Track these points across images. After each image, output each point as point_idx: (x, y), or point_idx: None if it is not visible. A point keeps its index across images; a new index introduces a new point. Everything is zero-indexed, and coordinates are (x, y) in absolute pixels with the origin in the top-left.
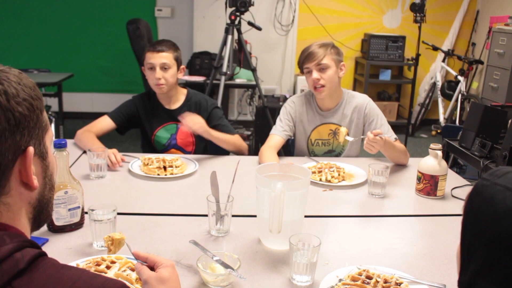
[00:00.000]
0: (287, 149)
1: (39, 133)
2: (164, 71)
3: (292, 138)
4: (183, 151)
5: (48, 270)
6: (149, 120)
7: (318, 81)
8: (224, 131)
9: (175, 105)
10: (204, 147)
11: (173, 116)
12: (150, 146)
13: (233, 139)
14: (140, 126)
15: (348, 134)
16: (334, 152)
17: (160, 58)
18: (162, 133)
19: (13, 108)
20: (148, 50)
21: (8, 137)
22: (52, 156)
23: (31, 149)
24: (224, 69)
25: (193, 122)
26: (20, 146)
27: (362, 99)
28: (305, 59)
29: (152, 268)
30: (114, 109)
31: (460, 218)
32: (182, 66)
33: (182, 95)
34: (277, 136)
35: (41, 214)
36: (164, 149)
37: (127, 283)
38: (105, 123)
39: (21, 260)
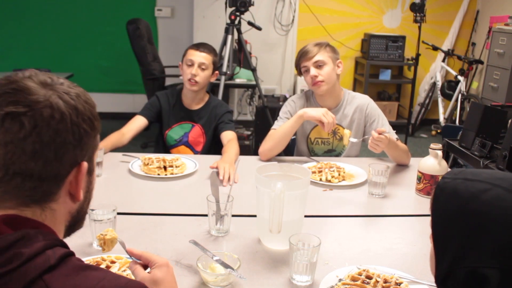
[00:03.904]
0: (287, 149)
1: (92, 151)
2: (201, 70)
3: (293, 137)
4: (192, 149)
5: (76, 268)
6: (168, 115)
7: (316, 77)
8: (222, 127)
9: (196, 107)
10: (210, 147)
11: (190, 116)
12: (162, 141)
13: (237, 150)
14: (160, 121)
15: (351, 136)
16: (334, 152)
17: (201, 57)
18: (177, 130)
19: (80, 124)
20: (190, 48)
21: (70, 150)
22: (95, 173)
23: (85, 164)
24: (224, 69)
25: (231, 173)
26: (77, 160)
27: (363, 100)
28: (300, 57)
29: (147, 266)
30: (143, 108)
31: None
32: (216, 72)
33: (204, 99)
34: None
35: (75, 224)
36: (174, 144)
37: None
38: (138, 122)
39: (53, 256)
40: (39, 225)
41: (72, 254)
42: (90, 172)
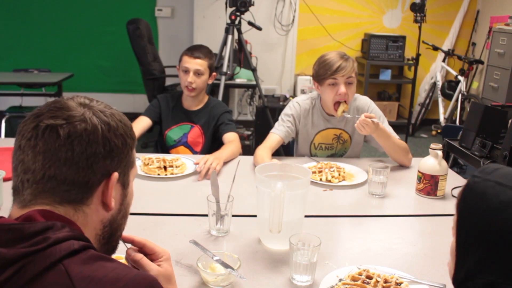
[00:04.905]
0: (288, 149)
1: (126, 166)
2: (197, 77)
3: (292, 140)
4: (191, 149)
5: (94, 257)
6: (167, 117)
7: (345, 95)
8: (223, 129)
9: (195, 108)
10: (209, 148)
11: (189, 117)
12: (162, 142)
13: (236, 150)
14: (159, 123)
15: (346, 111)
16: (336, 155)
17: (195, 64)
18: (176, 131)
19: (111, 138)
20: (185, 54)
21: (101, 160)
22: (132, 190)
23: (115, 174)
24: (224, 69)
25: (212, 164)
26: (108, 170)
27: (364, 101)
28: (335, 71)
29: (146, 255)
30: (146, 109)
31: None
32: (214, 73)
33: (204, 100)
34: (275, 135)
35: (111, 237)
36: (174, 145)
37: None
38: (143, 122)
39: (77, 244)
40: (69, 222)
41: (93, 248)
42: (125, 185)
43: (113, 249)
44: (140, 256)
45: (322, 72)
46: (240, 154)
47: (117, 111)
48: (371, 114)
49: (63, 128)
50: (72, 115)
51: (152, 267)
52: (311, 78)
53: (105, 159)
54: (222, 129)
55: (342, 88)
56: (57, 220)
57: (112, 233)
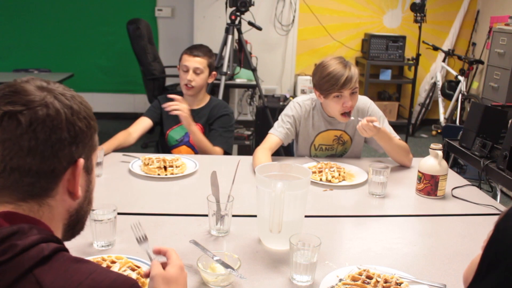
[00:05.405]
0: (288, 150)
1: (89, 150)
2: (196, 75)
3: (292, 141)
4: (193, 149)
5: (67, 261)
6: (168, 117)
7: (351, 107)
8: (211, 137)
9: (196, 107)
10: None
11: (191, 116)
12: (163, 142)
13: (209, 150)
14: (160, 124)
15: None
16: (336, 155)
17: (195, 62)
18: (177, 131)
19: (75, 122)
20: (185, 53)
21: (66, 146)
22: (95, 174)
23: (81, 161)
24: (225, 69)
25: (178, 106)
26: (73, 157)
27: (364, 102)
28: (343, 84)
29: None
30: (147, 110)
31: (461, 217)
32: (214, 72)
33: (205, 99)
34: (274, 136)
35: (76, 224)
36: (176, 144)
37: None
38: (144, 123)
39: (46, 248)
40: (36, 222)
41: (65, 249)
42: (89, 171)
43: (78, 232)
44: (154, 262)
45: (328, 87)
46: (236, 154)
47: (75, 92)
48: (373, 118)
49: (24, 115)
50: (31, 99)
51: (155, 268)
52: (311, 78)
53: (70, 145)
54: (211, 135)
55: (349, 102)
56: (22, 222)
57: (78, 221)
